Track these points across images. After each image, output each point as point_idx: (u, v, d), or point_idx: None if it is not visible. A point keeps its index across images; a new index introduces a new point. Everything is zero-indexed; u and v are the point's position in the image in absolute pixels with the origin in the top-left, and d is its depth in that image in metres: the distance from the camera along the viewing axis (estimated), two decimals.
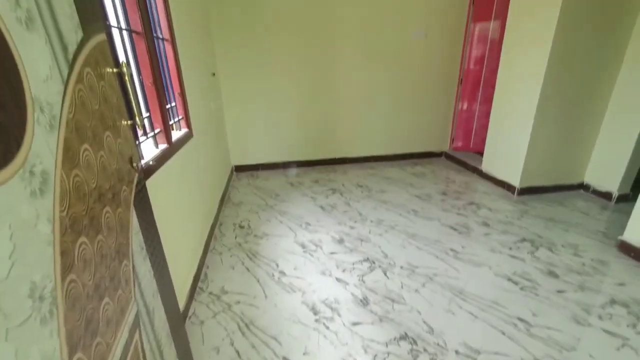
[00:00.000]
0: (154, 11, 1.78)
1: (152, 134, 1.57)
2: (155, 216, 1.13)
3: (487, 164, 3.47)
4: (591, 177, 3.07)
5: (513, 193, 3.08)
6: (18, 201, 0.48)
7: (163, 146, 1.67)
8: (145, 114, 1.55)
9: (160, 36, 1.85)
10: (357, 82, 3.78)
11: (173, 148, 1.76)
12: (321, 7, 3.41)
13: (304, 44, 3.52)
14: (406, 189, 3.31)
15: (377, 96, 3.87)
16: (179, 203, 1.81)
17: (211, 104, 3.00)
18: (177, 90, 2.00)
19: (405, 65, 3.79)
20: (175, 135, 1.93)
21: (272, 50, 3.50)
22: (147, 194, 1.10)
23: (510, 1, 2.99)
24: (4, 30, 0.48)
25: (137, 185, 0.98)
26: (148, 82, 1.57)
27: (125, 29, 1.38)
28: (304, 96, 3.75)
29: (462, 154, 4.06)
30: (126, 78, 0.89)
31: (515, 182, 3.04)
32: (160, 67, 1.84)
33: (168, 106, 1.90)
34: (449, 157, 4.22)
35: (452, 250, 2.22)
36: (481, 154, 3.90)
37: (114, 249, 0.77)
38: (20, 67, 0.51)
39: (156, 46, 1.82)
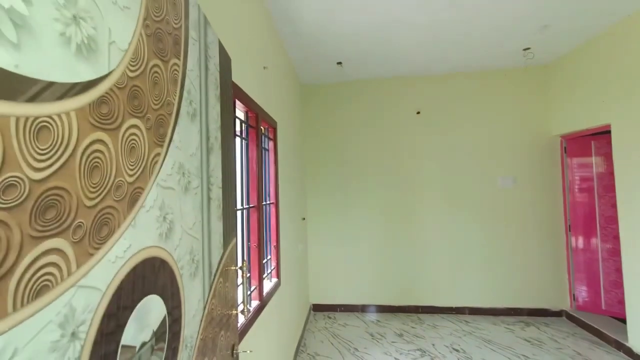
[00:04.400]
0: (267, 183, 2.21)
1: (248, 292, 1.69)
2: None
3: (638, 340, 2.60)
4: None
5: None
6: None
7: (256, 303, 1.76)
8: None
9: (268, 202, 2.23)
10: (444, 226, 3.68)
11: (264, 303, 1.85)
12: (404, 159, 3.78)
13: (387, 191, 3.79)
14: None
15: (468, 245, 3.63)
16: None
17: (299, 246, 3.23)
18: (273, 243, 2.24)
19: (495, 213, 3.62)
20: (267, 286, 2.06)
21: (356, 195, 3.82)
22: None
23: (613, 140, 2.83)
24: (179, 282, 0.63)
25: None
26: (254, 245, 1.81)
27: (245, 208, 1.71)
28: (386, 238, 3.77)
29: (592, 317, 3.19)
30: (243, 275, 1.03)
31: None
32: (264, 228, 2.15)
33: (264, 260, 2.10)
34: (572, 318, 3.35)
35: None
36: (619, 318, 3.01)
37: None
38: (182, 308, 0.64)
39: (263, 211, 2.18)
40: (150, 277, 0.50)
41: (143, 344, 0.46)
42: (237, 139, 1.70)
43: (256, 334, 1.71)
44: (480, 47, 3.09)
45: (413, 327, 3.32)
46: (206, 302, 0.74)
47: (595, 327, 3.02)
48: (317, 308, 3.82)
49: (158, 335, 0.50)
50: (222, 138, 0.97)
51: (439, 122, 3.77)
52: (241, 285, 1.04)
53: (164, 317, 0.53)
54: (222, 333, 0.87)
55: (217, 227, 0.88)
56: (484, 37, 2.89)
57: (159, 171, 0.55)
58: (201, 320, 0.71)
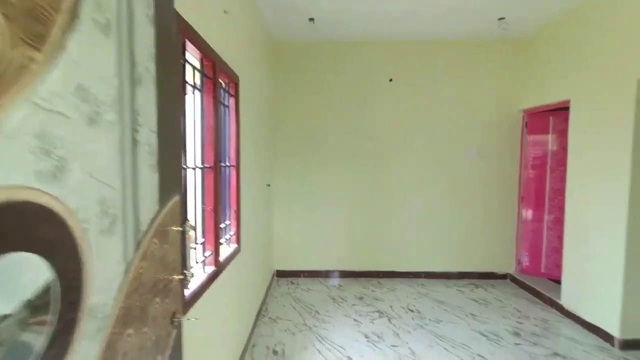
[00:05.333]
0: (226, 143, 2.03)
1: (202, 259, 1.58)
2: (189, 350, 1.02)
3: (569, 299, 2.89)
4: None
5: (612, 344, 2.43)
6: None
7: (211, 269, 1.66)
8: (200, 240, 1.59)
9: (228, 164, 2.06)
10: (409, 199, 3.75)
11: (220, 268, 1.75)
12: (375, 125, 3.71)
13: (356, 158, 3.73)
14: (467, 320, 2.82)
15: (430, 209, 3.75)
16: (216, 329, 1.69)
17: (262, 212, 3.12)
18: (233, 207, 2.11)
19: (457, 184, 3.73)
20: (225, 252, 1.95)
21: (324, 161, 3.73)
22: (181, 343, 1.01)
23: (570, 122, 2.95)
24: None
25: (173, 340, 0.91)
26: (209, 208, 1.67)
27: (199, 167, 1.54)
28: (352, 204, 3.77)
29: (532, 279, 3.51)
30: (187, 236, 0.91)
31: (614, 330, 2.43)
32: (223, 191, 2.00)
33: (222, 225, 1.97)
34: (515, 280, 3.67)
35: None
36: (555, 280, 3.34)
37: None
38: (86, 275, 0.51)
39: (222, 173, 2.02)
40: (19, 228, 0.36)
41: (4, 318, 0.33)
42: (191, 91, 1.49)
43: (212, 300, 1.63)
44: (457, 12, 2.98)
45: (373, 291, 3.44)
46: (129, 265, 0.62)
47: (535, 287, 3.33)
48: (281, 274, 3.82)
49: (37, 305, 0.38)
50: (158, 72, 0.79)
51: (411, 91, 3.70)
52: (190, 250, 0.92)
53: (47, 283, 0.40)
54: (157, 300, 0.75)
55: (149, 178, 0.73)
56: (461, 2, 2.77)
57: (34, 84, 0.39)
58: (122, 286, 0.59)
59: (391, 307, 3.07)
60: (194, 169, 1.49)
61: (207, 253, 1.67)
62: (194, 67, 1.50)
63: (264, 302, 3.09)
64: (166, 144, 0.85)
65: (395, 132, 3.72)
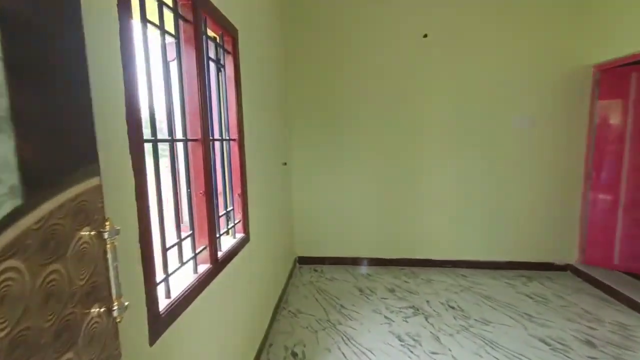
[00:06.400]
0: (223, 112, 1.65)
1: (190, 257, 1.25)
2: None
3: None
4: None
5: None
6: None
7: (204, 268, 1.33)
8: (188, 232, 1.26)
9: (227, 137, 1.70)
10: (447, 175, 3.22)
11: (219, 265, 1.43)
12: (407, 92, 3.17)
13: (385, 130, 3.24)
14: (522, 322, 2.34)
15: (473, 187, 3.20)
16: (219, 333, 1.39)
17: (279, 195, 2.78)
18: (237, 191, 1.76)
19: (505, 158, 3.13)
20: (228, 243, 1.63)
21: (350, 135, 3.28)
22: None
23: None
24: None
25: None
26: (199, 192, 1.32)
27: (175, 140, 1.18)
28: (382, 183, 3.32)
29: (601, 272, 2.91)
30: (108, 246, 0.55)
31: None
32: (222, 171, 1.64)
33: (223, 212, 1.64)
34: (578, 273, 3.08)
35: None
36: (634, 275, 2.73)
37: None
38: None
39: (222, 148, 1.66)
40: None
41: None
42: (160, 36, 1.10)
43: (209, 304, 1.32)
44: None
45: (406, 282, 3.04)
46: None
47: (606, 283, 2.74)
48: (303, 261, 3.52)
49: None
50: None
51: (449, 49, 3.08)
52: (112, 267, 0.57)
53: None
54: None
55: None
56: None
57: None
58: None
59: (428, 302, 2.66)
60: (170, 142, 1.13)
61: (200, 248, 1.34)
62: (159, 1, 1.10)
63: (284, 293, 2.81)
64: (45, 84, 0.47)
65: (431, 98, 3.15)
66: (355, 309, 2.58)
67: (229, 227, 1.69)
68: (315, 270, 3.36)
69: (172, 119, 1.14)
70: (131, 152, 0.85)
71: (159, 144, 1.05)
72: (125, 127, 0.84)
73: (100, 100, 0.73)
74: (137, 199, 0.87)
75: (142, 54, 0.97)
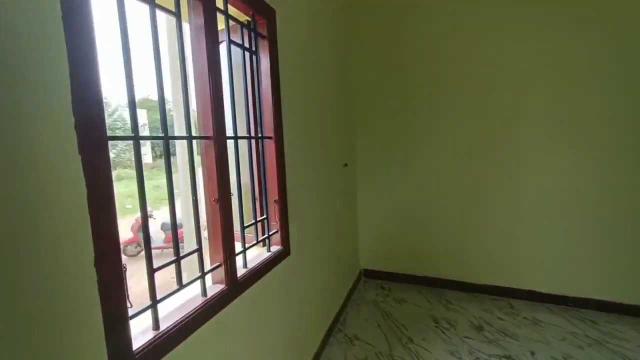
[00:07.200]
0: (252, 105, 1.43)
1: (196, 277, 1.05)
2: None
3: None
4: None
5: None
6: None
7: (217, 289, 1.12)
8: (189, 248, 1.06)
9: (261, 135, 1.47)
10: (554, 178, 2.37)
11: (238, 287, 1.20)
12: (495, 82, 2.46)
13: (469, 125, 2.59)
14: None
15: (592, 200, 2.28)
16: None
17: (336, 201, 2.46)
18: (273, 197, 1.52)
19: None
20: (256, 258, 1.40)
21: (428, 135, 2.74)
22: None
23: None
24: None
25: None
26: (211, 199, 1.12)
27: (186, 137, 0.99)
28: (465, 189, 2.67)
29: None
30: None
31: None
32: (251, 173, 1.43)
33: (251, 222, 1.42)
34: None
35: None
36: None
37: None
38: None
39: (257, 146, 1.44)
40: None
41: None
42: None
43: (221, 325, 1.10)
44: None
45: (500, 319, 2.34)
46: None
47: None
48: (370, 274, 3.12)
49: None
50: None
51: (558, 15, 2.24)
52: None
53: None
54: None
55: None
56: None
57: None
58: None
59: (533, 354, 1.95)
60: (163, 140, 0.94)
61: (214, 265, 1.14)
62: None
63: (342, 311, 2.48)
64: None
65: (535, 81, 2.36)
66: (426, 346, 2.07)
67: (259, 239, 1.45)
68: (383, 288, 2.92)
69: (164, 113, 0.96)
70: (82, 153, 0.67)
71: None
72: (72, 121, 0.66)
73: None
74: (90, 210, 0.69)
75: (119, 32, 0.79)
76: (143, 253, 4.91)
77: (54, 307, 0.62)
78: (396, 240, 2.98)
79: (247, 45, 1.40)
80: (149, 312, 0.89)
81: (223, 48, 1.21)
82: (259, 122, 1.46)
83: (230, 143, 1.21)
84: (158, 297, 0.91)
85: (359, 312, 2.53)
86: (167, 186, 0.97)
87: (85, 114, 0.68)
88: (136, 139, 0.84)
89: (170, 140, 0.96)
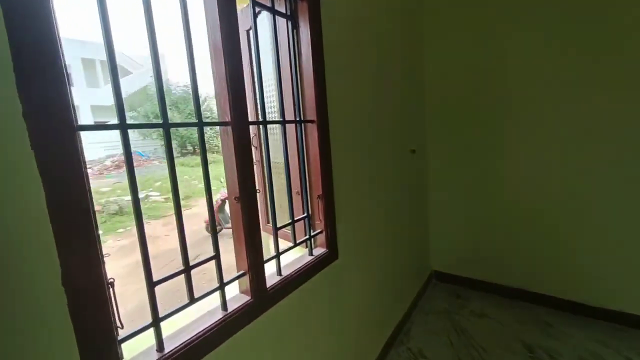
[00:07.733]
0: (291, 85, 1.20)
1: (214, 287, 0.90)
2: None
3: None
4: None
5: None
6: None
7: (245, 300, 0.96)
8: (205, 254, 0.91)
9: (300, 118, 1.24)
10: None
11: (267, 298, 1.03)
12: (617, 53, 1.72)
13: (566, 118, 1.91)
14: None
15: None
16: None
17: (402, 194, 2.11)
18: (317, 192, 1.29)
19: None
20: (295, 263, 1.21)
21: (515, 116, 2.15)
22: None
23: None
24: None
25: None
26: (232, 197, 0.95)
27: (197, 124, 0.82)
28: (568, 182, 2.02)
29: None
30: None
31: None
32: (289, 164, 1.21)
33: (288, 221, 1.22)
34: None
35: None
36: None
37: None
38: None
39: (298, 131, 1.22)
40: None
41: None
42: None
43: (244, 343, 0.95)
44: None
45: (625, 355, 1.72)
46: None
47: None
48: (442, 277, 2.69)
49: None
50: None
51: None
52: None
53: None
54: None
55: None
56: None
57: None
58: None
59: None
60: (164, 125, 0.78)
61: (239, 273, 0.98)
62: None
63: (407, 319, 2.17)
64: None
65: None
66: None
67: (299, 241, 1.25)
68: (458, 296, 2.48)
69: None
70: (34, 148, 0.54)
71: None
72: (19, 107, 0.52)
73: None
74: (51, 216, 0.56)
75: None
76: (224, 231, 5.28)
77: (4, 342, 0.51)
78: (474, 239, 2.48)
79: (282, 10, 1.17)
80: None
81: (249, 16, 1.00)
82: (296, 103, 1.23)
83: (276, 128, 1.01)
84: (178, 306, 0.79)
85: (426, 323, 2.18)
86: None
87: (41, 96, 0.54)
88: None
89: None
